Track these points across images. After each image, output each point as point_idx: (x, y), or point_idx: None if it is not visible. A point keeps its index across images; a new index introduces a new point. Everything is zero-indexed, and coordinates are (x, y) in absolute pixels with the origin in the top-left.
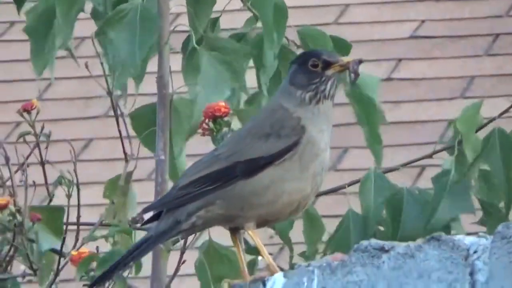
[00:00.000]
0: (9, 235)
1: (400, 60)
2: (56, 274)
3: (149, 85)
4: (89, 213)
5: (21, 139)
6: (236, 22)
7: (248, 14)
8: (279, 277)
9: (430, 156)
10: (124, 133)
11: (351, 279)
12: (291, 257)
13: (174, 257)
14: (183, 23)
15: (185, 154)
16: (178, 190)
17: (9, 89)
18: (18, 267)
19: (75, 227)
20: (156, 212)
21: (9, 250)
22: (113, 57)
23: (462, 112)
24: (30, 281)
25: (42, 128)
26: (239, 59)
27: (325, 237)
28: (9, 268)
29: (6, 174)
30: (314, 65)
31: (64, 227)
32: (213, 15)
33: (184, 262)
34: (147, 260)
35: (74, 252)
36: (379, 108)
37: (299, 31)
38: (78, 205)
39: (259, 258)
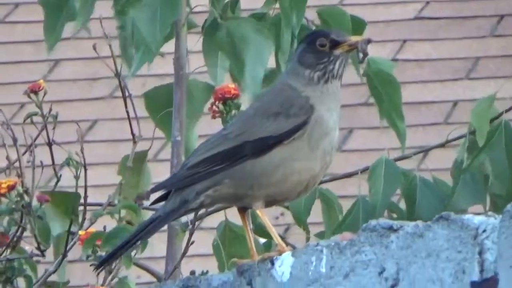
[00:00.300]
0: (16, 216)
1: (404, 41)
2: (64, 255)
3: (160, 66)
4: (94, 194)
5: (28, 120)
6: (256, 3)
7: None
8: (287, 256)
9: (442, 145)
10: (131, 115)
11: (360, 258)
12: (307, 238)
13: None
14: (202, 3)
15: (197, 136)
16: (187, 169)
17: (14, 70)
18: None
19: (82, 208)
20: (164, 192)
21: (16, 231)
22: (135, 36)
23: (476, 105)
24: (37, 262)
25: (50, 109)
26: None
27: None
28: (16, 248)
29: (13, 155)
30: (322, 45)
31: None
32: None
33: (193, 242)
34: (160, 241)
35: (81, 232)
36: (399, 85)
37: (319, 11)
38: (85, 186)
39: (260, 238)
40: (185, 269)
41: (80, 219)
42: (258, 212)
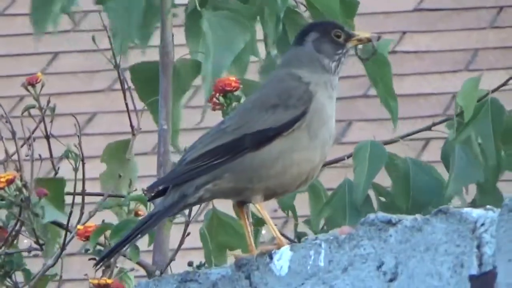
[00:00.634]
0: (15, 209)
1: (404, 33)
2: (62, 248)
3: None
4: (92, 187)
5: (26, 113)
6: None
7: None
8: (286, 250)
9: (429, 128)
10: (131, 107)
11: (358, 252)
12: (295, 225)
13: (179, 230)
14: None
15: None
16: (185, 164)
17: (13, 63)
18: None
19: (80, 201)
20: (162, 187)
21: (15, 225)
22: (110, 25)
23: (462, 86)
24: (36, 256)
25: (48, 102)
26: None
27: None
28: (15, 242)
29: (11, 148)
30: (338, 36)
31: (71, 201)
32: None
33: (188, 234)
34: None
35: (80, 226)
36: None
37: None
38: (83, 179)
39: (263, 231)
40: (180, 263)
41: (79, 213)
42: (257, 206)
